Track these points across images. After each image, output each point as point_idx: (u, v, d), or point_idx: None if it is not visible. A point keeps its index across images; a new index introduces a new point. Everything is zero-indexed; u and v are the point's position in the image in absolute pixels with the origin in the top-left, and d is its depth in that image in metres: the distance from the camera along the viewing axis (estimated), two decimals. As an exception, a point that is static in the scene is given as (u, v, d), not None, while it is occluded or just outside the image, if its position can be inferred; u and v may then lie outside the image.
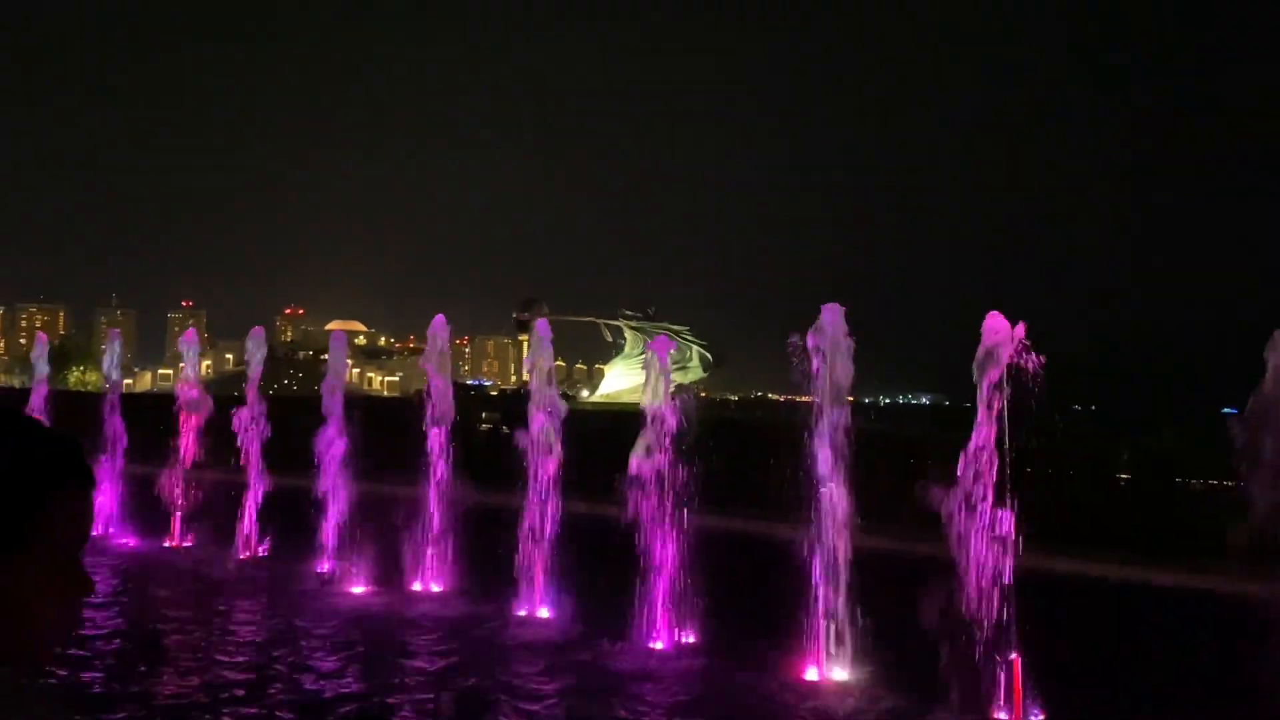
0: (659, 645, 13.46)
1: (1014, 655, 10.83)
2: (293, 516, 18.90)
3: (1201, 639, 14.07)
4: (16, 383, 73.82)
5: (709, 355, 37.01)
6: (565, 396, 48.89)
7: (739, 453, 26.05)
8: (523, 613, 15.20)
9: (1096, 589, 17.82)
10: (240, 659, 12.82)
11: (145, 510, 21.29)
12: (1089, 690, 11.84)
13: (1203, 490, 21.51)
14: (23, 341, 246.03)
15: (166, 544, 20.70)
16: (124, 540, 20.91)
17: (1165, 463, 21.40)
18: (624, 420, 30.45)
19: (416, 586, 16.88)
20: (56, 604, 1.29)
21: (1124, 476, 22.03)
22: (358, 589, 16.74)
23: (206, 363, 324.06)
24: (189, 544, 20.52)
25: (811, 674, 12.30)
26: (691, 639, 13.57)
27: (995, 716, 10.82)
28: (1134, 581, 17.99)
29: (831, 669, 12.29)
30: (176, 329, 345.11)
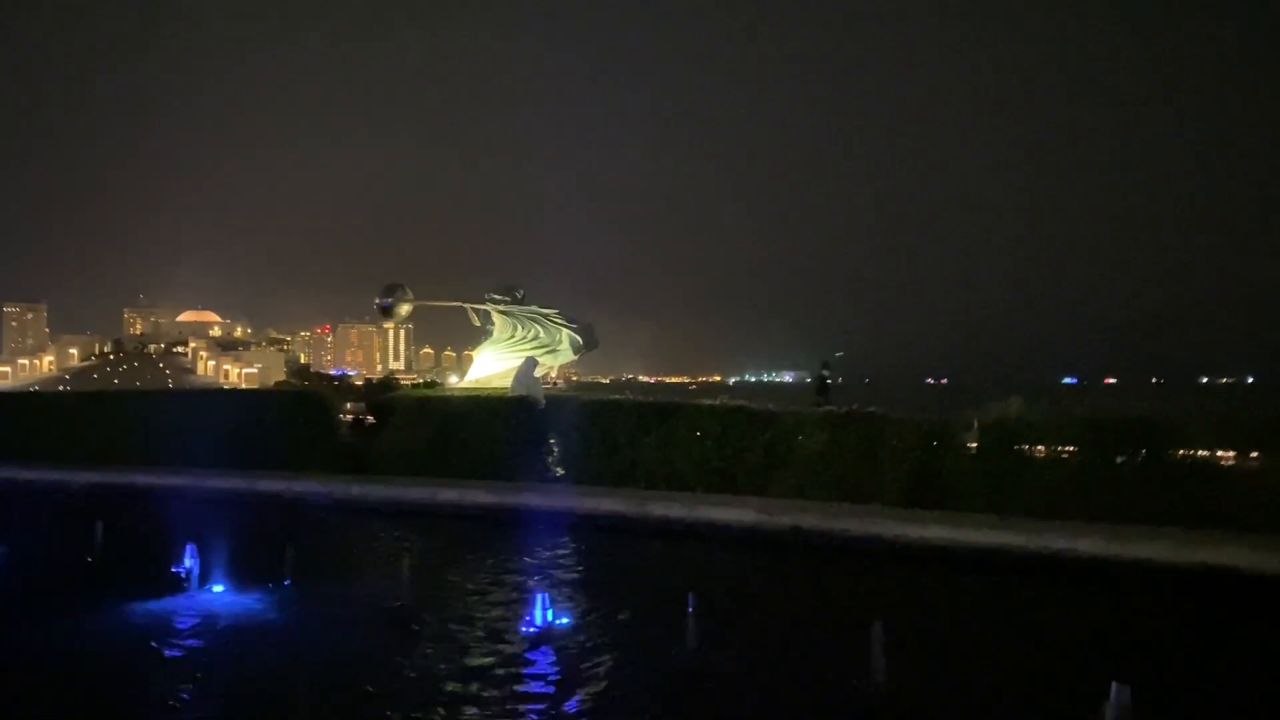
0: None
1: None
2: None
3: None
4: None
5: (578, 338, 36.94)
6: (431, 384, 48.13)
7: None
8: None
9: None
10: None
11: None
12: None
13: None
14: None
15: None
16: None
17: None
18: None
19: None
20: None
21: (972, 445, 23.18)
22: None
23: (49, 358, 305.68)
24: None
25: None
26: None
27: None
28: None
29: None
30: (14, 324, 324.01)
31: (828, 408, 26.68)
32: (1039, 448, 22.26)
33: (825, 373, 35.94)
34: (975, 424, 23.15)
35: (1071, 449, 21.93)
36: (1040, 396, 26.02)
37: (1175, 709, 11.00)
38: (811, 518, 21.62)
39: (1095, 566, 18.34)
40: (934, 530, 20.26)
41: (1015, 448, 22.17)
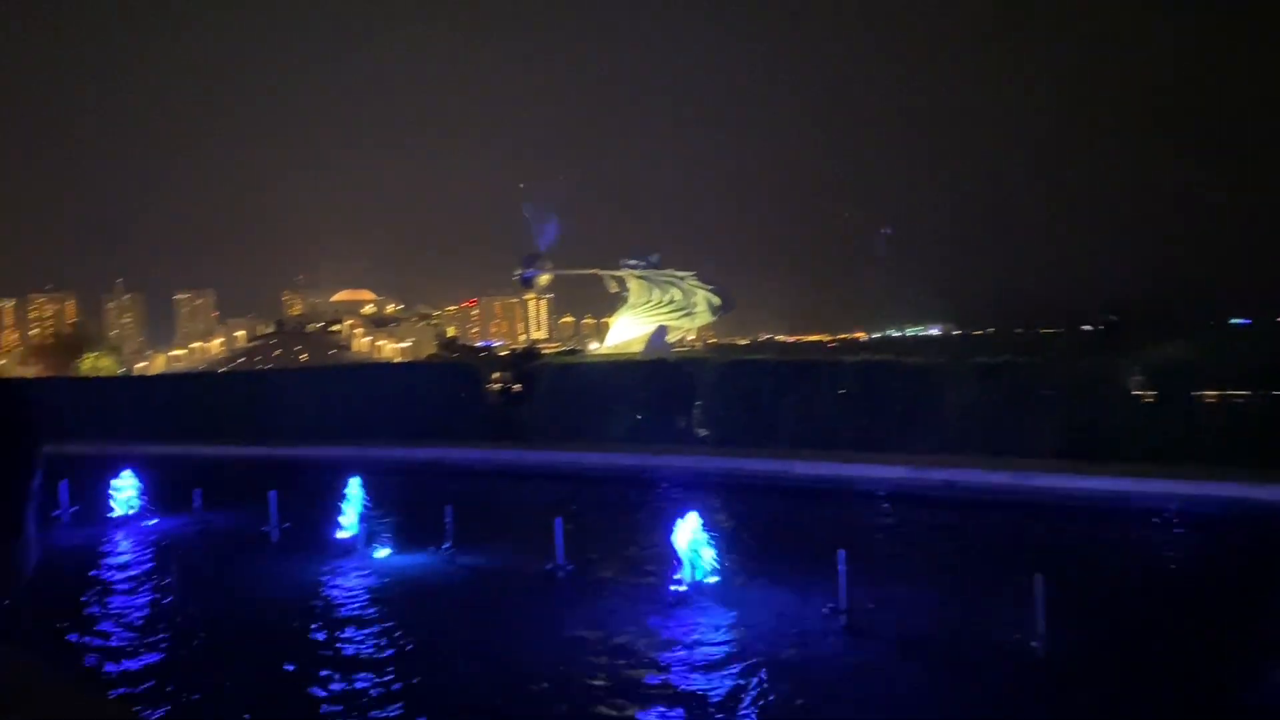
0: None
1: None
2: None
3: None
4: (30, 373, 74.20)
5: (715, 299, 36.87)
6: (572, 351, 48.97)
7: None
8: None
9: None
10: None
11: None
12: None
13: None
14: (34, 332, 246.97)
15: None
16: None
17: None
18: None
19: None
20: (23, 547, 1.32)
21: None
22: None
23: (218, 340, 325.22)
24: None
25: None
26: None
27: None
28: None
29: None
30: (185, 310, 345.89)
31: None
32: (1209, 393, 21.05)
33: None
34: (1137, 370, 22.05)
35: (1245, 393, 20.66)
36: (1207, 339, 24.56)
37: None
38: (963, 472, 21.07)
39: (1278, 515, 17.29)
40: (1094, 482, 19.46)
41: (1183, 394, 21.01)
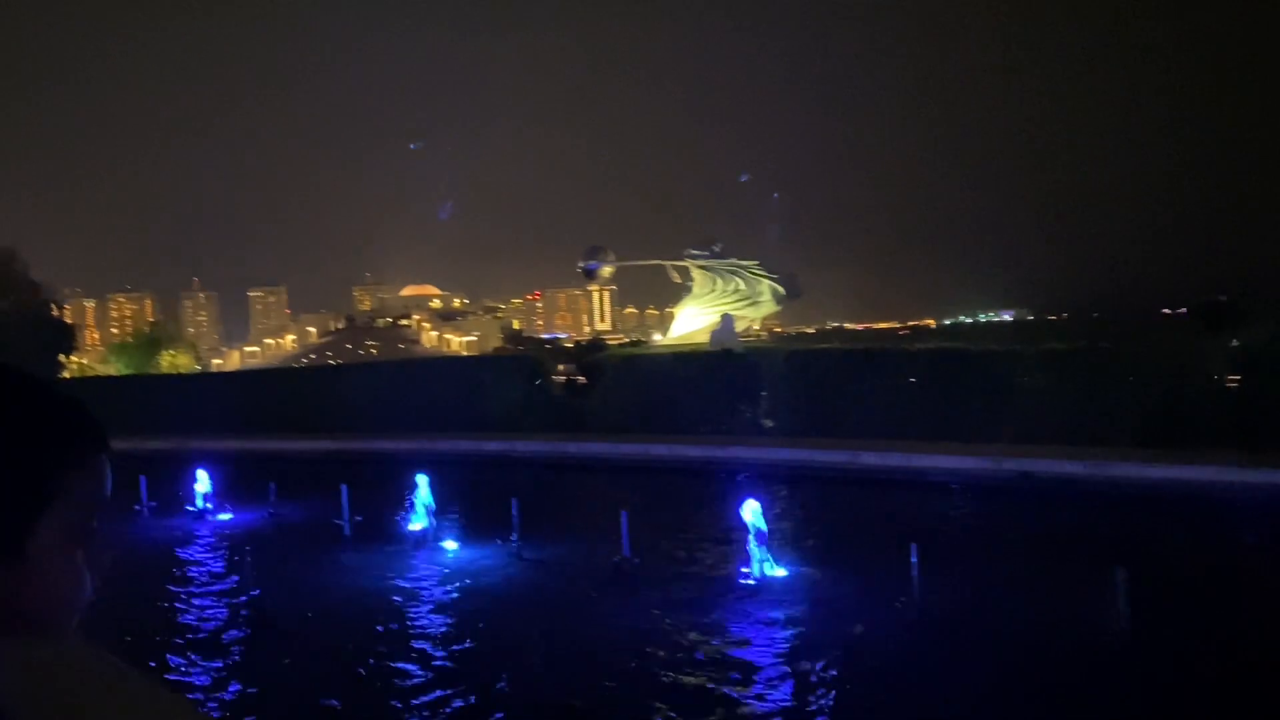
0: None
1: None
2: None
3: None
4: (113, 370, 76.58)
5: (780, 288, 36.52)
6: (636, 343, 48.84)
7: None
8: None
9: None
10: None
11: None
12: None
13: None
14: (114, 331, 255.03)
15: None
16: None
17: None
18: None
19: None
20: (73, 571, 1.27)
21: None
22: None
23: (291, 336, 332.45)
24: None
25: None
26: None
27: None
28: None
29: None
30: (259, 307, 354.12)
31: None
32: None
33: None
34: (1224, 356, 21.24)
35: None
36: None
37: None
38: (1038, 462, 20.53)
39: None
40: (1177, 471, 18.79)
41: (1276, 380, 20.18)
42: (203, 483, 22.27)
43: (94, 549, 1.29)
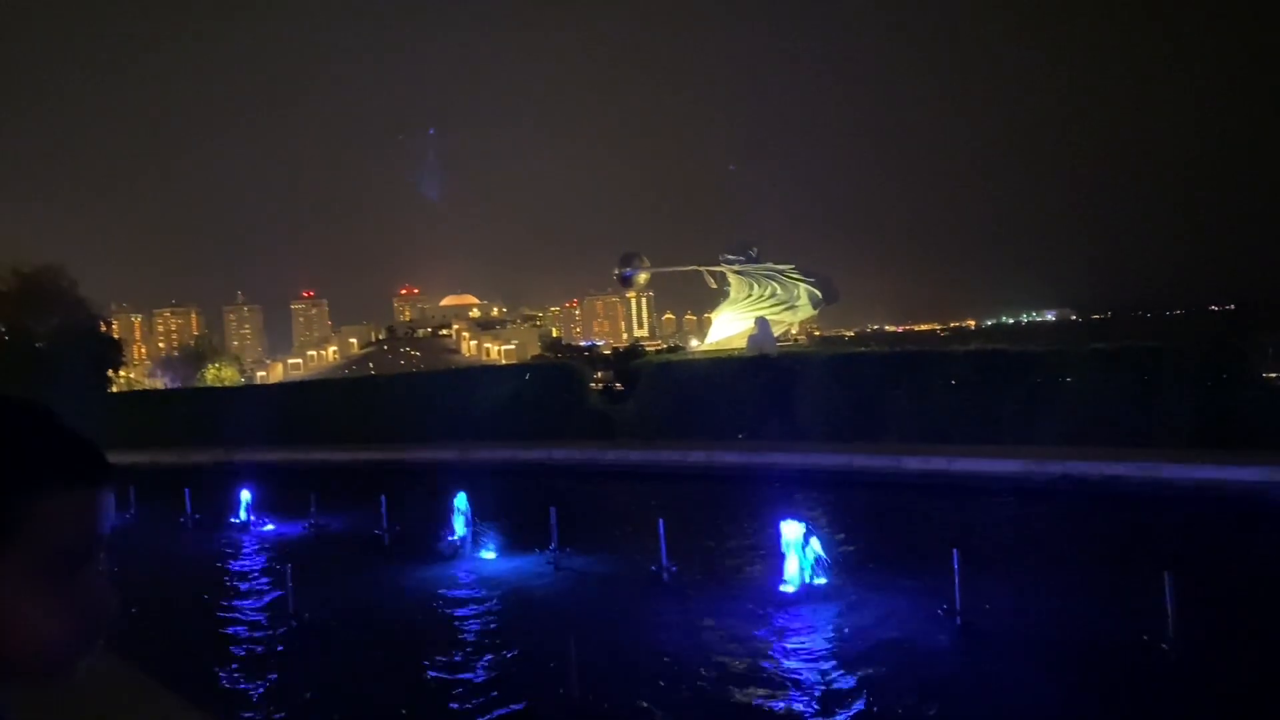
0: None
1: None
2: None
3: None
4: (161, 384, 77.83)
5: (817, 292, 36.28)
6: (674, 349, 48.73)
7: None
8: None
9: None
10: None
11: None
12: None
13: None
14: (161, 345, 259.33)
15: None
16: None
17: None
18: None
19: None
20: (59, 611, 1.19)
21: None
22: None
23: (333, 348, 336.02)
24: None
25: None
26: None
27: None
28: None
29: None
30: (301, 319, 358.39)
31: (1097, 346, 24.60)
32: None
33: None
34: (1272, 351, 20.76)
35: None
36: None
37: None
38: (1083, 464, 20.17)
39: None
40: (1228, 473, 18.36)
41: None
42: (245, 495, 22.53)
43: (86, 588, 1.20)
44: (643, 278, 39.95)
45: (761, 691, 10.56)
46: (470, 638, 13.17)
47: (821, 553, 14.06)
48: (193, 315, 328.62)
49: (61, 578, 1.17)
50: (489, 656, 12.36)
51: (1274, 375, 21.18)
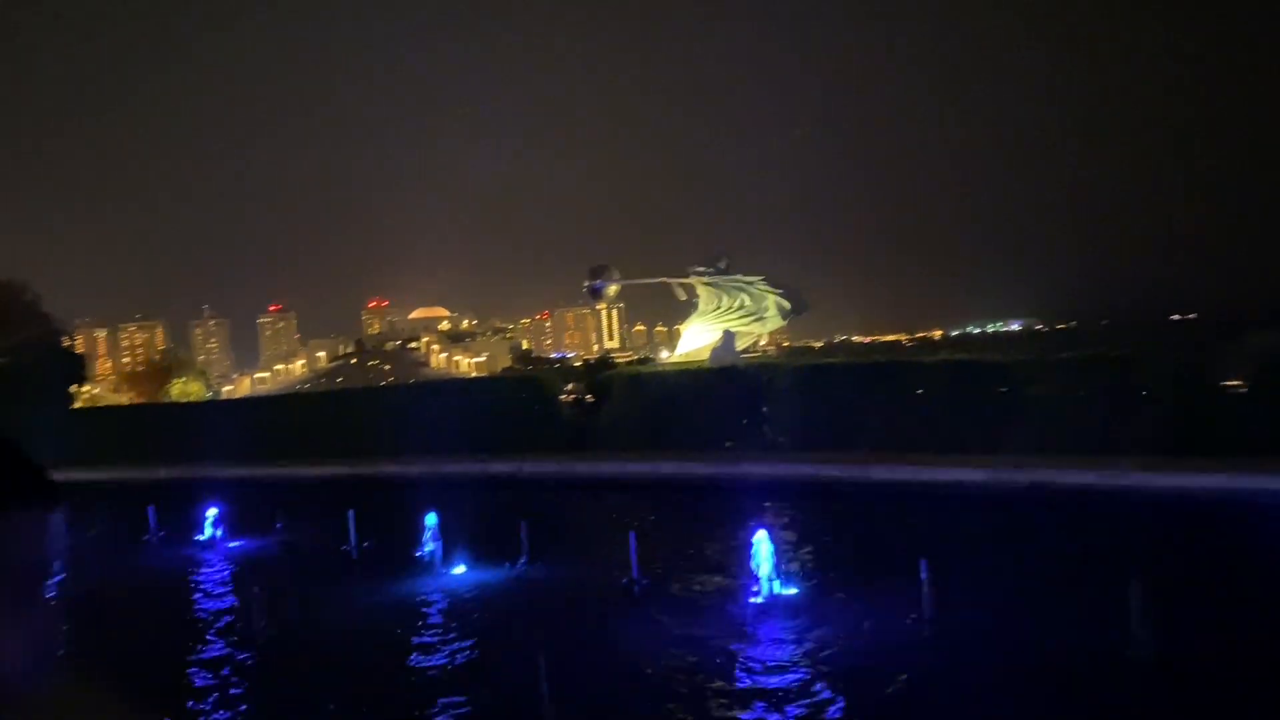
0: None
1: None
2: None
3: None
4: (125, 399, 76.82)
5: (786, 303, 36.46)
6: (644, 361, 48.79)
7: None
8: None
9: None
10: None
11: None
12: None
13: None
14: (126, 360, 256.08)
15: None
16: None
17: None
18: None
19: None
20: (6, 637, 1.15)
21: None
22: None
23: (300, 361, 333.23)
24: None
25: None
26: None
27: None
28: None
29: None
30: (269, 333, 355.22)
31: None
32: None
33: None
34: (1244, 360, 21.05)
35: None
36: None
37: None
38: (1051, 473, 20.36)
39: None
40: (1194, 480, 18.59)
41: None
42: (211, 511, 22.24)
43: (34, 612, 1.15)
44: (613, 290, 40.00)
45: (733, 704, 10.56)
46: (440, 659, 13.04)
47: (773, 563, 14.07)
48: (158, 329, 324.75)
49: (6, 601, 1.14)
50: (456, 674, 12.27)
51: (1236, 384, 21.45)
